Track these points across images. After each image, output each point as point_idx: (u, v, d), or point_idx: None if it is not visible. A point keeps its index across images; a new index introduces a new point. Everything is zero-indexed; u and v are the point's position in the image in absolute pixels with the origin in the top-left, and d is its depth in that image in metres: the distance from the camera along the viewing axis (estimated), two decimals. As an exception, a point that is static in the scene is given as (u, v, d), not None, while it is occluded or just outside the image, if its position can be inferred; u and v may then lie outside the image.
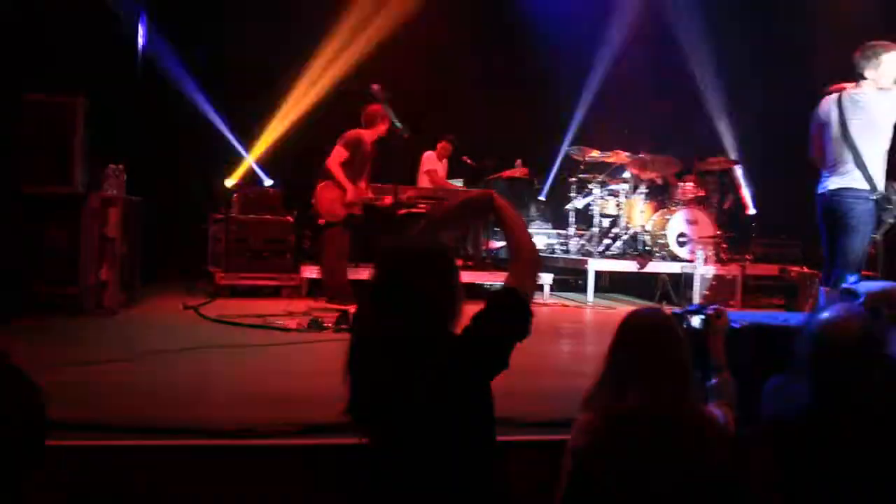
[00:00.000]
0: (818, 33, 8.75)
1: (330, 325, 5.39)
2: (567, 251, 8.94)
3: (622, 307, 7.26)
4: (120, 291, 5.97)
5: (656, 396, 2.07)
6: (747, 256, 8.25)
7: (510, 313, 2.06)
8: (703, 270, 7.54)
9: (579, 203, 8.95)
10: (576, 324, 6.71)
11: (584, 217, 9.00)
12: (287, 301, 7.01)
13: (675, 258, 8.07)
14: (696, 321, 2.54)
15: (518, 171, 9.11)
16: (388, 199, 6.86)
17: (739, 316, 3.81)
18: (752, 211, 9.70)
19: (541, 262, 2.31)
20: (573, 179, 8.96)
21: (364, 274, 1.87)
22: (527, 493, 2.49)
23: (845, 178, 4.57)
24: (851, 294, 2.35)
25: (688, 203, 8.34)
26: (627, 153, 8.60)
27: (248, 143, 9.28)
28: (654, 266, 8.03)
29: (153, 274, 7.43)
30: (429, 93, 9.11)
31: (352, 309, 2.22)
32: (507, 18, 9.80)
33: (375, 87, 6.63)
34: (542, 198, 9.89)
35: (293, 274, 7.54)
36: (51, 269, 5.61)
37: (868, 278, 4.61)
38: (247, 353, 4.50)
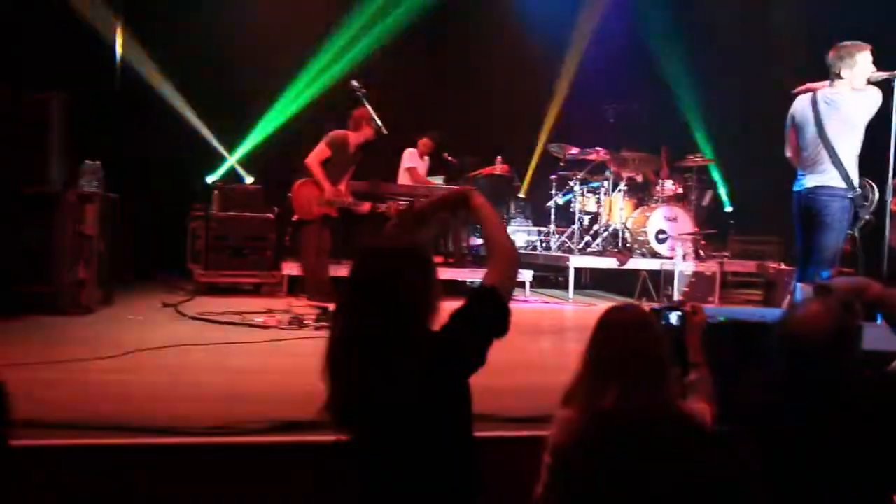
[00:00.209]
0: (792, 32, 8.85)
1: (310, 322, 5.38)
2: (548, 248, 8.98)
3: (602, 304, 7.30)
4: (97, 289, 5.91)
5: (634, 393, 2.08)
6: (726, 253, 8.33)
7: (489, 312, 2.06)
8: (682, 267, 7.61)
9: (560, 200, 8.99)
10: (556, 320, 6.74)
11: (565, 214, 9.05)
12: (267, 298, 6.98)
13: (654, 255, 8.13)
14: (673, 317, 2.56)
15: (499, 167, 9.12)
16: (367, 206, 6.82)
17: (718, 312, 3.86)
18: (729, 208, 9.80)
19: (519, 260, 2.31)
20: (554, 176, 9.00)
21: (346, 271, 1.88)
22: (507, 488, 2.50)
23: (822, 177, 4.64)
24: (825, 290, 2.37)
25: (667, 200, 8.41)
26: (607, 150, 8.65)
27: (228, 141, 9.25)
28: (634, 263, 8.09)
29: (132, 272, 7.37)
30: (408, 90, 9.11)
31: (332, 306, 2.21)
32: (484, 14, 9.83)
33: (354, 82, 6.61)
34: (521, 195, 9.92)
35: (274, 271, 7.50)
36: (27, 267, 5.54)
37: (842, 274, 4.68)
38: (226, 351, 4.48)
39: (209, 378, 3.79)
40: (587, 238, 8.66)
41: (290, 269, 7.39)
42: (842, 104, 4.59)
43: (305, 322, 5.39)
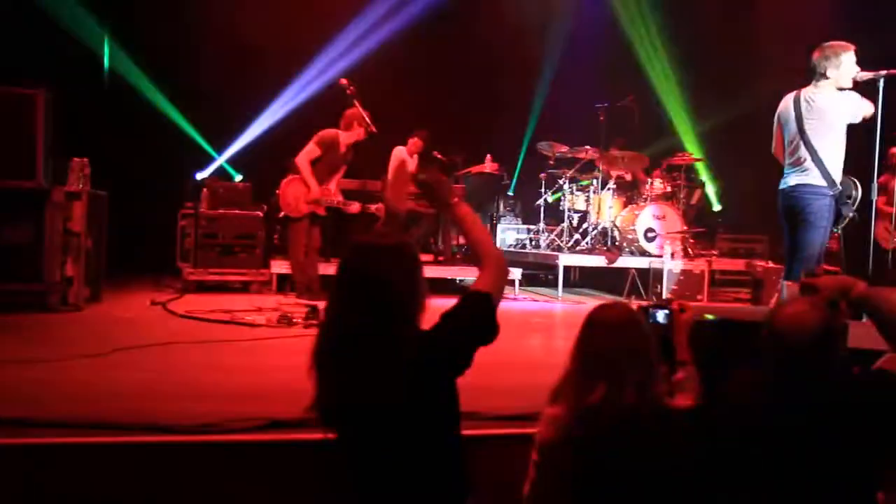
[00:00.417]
0: (780, 31, 8.89)
1: (299, 320, 5.37)
2: (537, 246, 9.00)
3: (592, 302, 7.32)
4: (85, 287, 5.88)
5: (622, 390, 2.10)
6: (714, 251, 8.37)
7: (481, 317, 2.08)
8: (671, 265, 7.63)
9: (549, 198, 9.02)
10: (545, 318, 6.75)
11: (554, 212, 9.06)
12: (256, 296, 6.97)
13: (643, 253, 8.16)
14: (660, 316, 2.58)
15: (488, 166, 9.14)
16: (356, 207, 6.81)
17: (706, 310, 3.88)
18: (718, 207, 9.84)
19: (507, 266, 2.32)
20: (543, 175, 9.02)
21: (334, 269, 1.88)
22: (496, 486, 2.51)
23: (804, 175, 4.68)
24: (811, 288, 2.38)
25: (656, 199, 8.44)
26: (597, 149, 8.68)
27: (218, 140, 9.24)
28: (623, 261, 8.11)
29: (121, 269, 7.34)
30: (398, 88, 9.11)
31: (322, 304, 2.21)
32: (474, 13, 9.85)
33: (343, 81, 6.60)
34: (511, 193, 9.94)
35: (263, 269, 7.49)
36: (14, 264, 5.51)
37: (828, 272, 4.72)
38: (214, 349, 4.46)
39: (197, 376, 3.78)
40: (576, 236, 8.68)
41: (279, 266, 7.38)
42: (821, 106, 4.63)
43: (294, 320, 5.38)
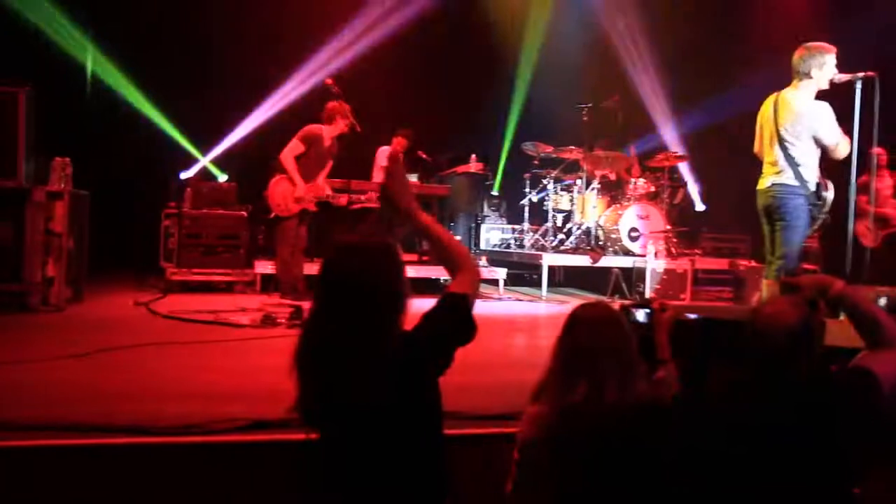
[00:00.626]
0: (762, 31, 8.98)
1: (283, 320, 5.36)
2: (521, 246, 9.03)
3: (576, 301, 7.35)
4: (67, 287, 5.84)
5: (603, 388, 2.11)
6: (697, 251, 8.43)
7: (460, 318, 2.10)
8: (654, 265, 7.68)
9: (534, 198, 9.04)
10: (530, 318, 6.77)
11: (539, 212, 9.09)
12: (240, 297, 6.94)
13: (627, 253, 8.20)
14: (641, 315, 2.60)
15: (473, 165, 9.16)
16: (344, 199, 6.82)
17: (688, 309, 3.92)
18: (701, 207, 9.91)
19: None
20: (527, 175, 9.05)
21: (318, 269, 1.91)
22: (479, 484, 2.52)
23: (780, 175, 4.74)
24: (791, 287, 2.40)
25: (639, 198, 8.48)
26: (581, 149, 8.71)
27: (202, 141, 9.21)
28: (607, 261, 8.15)
29: (104, 270, 7.29)
30: (383, 88, 9.11)
31: (306, 304, 2.21)
32: (457, 14, 9.89)
33: (328, 80, 6.59)
34: (495, 193, 9.96)
35: (247, 269, 7.47)
36: (-6, 264, 5.47)
37: (807, 271, 4.77)
38: (197, 350, 4.44)
39: (179, 377, 3.76)
40: (560, 236, 8.71)
41: (263, 267, 7.36)
42: (799, 108, 4.68)
43: (278, 320, 5.36)
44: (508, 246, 9.28)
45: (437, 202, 8.47)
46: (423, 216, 2.24)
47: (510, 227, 9.56)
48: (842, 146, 4.67)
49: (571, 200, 8.76)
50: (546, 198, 8.88)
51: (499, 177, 10.13)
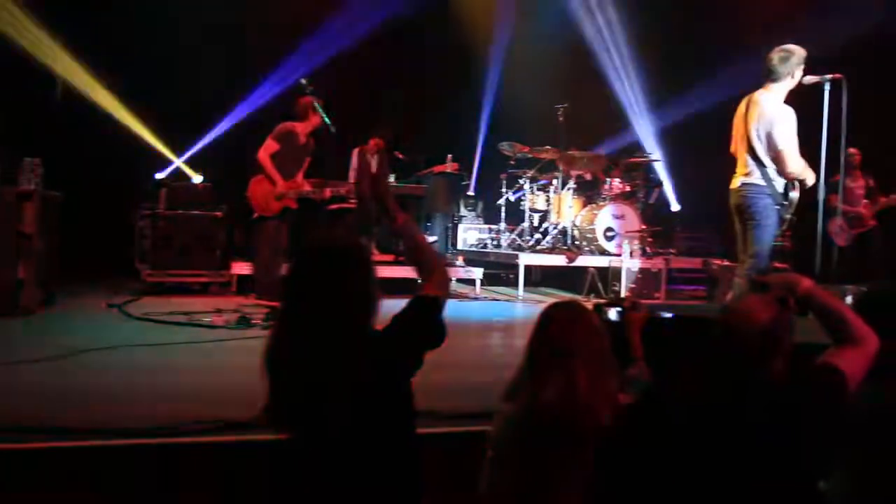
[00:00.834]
0: (736, 31, 9.06)
1: (258, 321, 5.33)
2: (498, 246, 9.05)
3: (552, 301, 7.38)
4: (37, 290, 5.76)
5: (574, 386, 2.12)
6: (671, 250, 8.50)
7: (431, 321, 2.12)
8: (629, 264, 7.73)
9: (511, 197, 9.07)
10: (506, 317, 6.79)
11: (515, 212, 9.12)
12: (216, 298, 6.89)
13: (602, 252, 8.25)
14: (612, 313, 2.62)
15: (449, 165, 9.16)
16: (328, 192, 6.77)
17: (662, 307, 3.96)
18: (676, 207, 9.99)
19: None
20: (504, 175, 9.08)
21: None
22: (452, 482, 2.52)
23: (749, 176, 4.82)
24: (760, 285, 2.43)
25: (615, 198, 8.54)
26: (557, 149, 8.75)
27: (177, 142, 9.14)
28: (583, 260, 8.19)
29: (77, 272, 7.20)
30: (359, 89, 9.10)
31: (282, 306, 2.21)
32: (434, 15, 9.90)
33: (303, 80, 6.57)
34: (471, 193, 9.98)
35: (222, 270, 7.41)
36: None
37: (777, 270, 4.83)
38: (170, 352, 4.41)
39: (151, 379, 3.73)
40: (537, 236, 8.74)
41: (240, 268, 7.31)
42: (769, 110, 4.74)
43: (253, 321, 5.34)
44: (485, 246, 9.30)
45: (414, 202, 8.47)
46: (400, 216, 2.25)
47: (487, 227, 9.58)
48: (798, 168, 4.71)
49: (548, 200, 8.80)
50: (522, 198, 8.91)
51: (474, 177, 10.14)
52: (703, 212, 9.14)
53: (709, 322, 2.52)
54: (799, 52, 4.78)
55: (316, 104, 6.47)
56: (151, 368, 4.01)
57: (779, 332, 2.19)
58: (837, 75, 4.79)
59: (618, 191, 8.62)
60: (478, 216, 9.78)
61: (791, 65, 4.73)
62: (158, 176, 8.60)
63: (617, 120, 10.04)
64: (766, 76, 4.79)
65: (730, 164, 5.11)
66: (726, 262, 7.43)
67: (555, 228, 8.65)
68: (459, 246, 9.40)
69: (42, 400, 3.17)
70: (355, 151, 8.48)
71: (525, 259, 8.16)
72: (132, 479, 2.60)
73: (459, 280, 8.16)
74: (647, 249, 8.18)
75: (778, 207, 4.76)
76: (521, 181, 8.92)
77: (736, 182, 4.88)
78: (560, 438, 2.12)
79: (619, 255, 7.95)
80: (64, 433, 2.66)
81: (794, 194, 4.80)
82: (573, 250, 8.30)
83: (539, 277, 9.26)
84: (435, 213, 9.19)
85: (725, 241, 8.50)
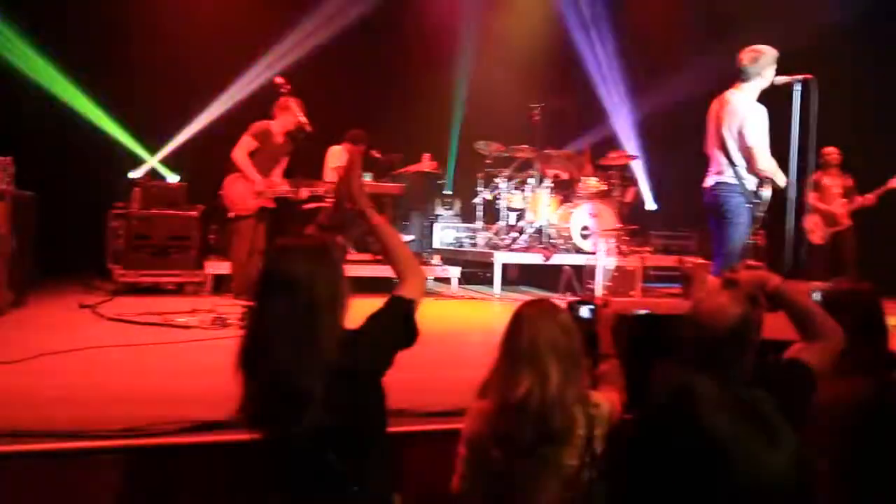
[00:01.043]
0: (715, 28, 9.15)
1: (234, 321, 5.29)
2: (475, 244, 9.07)
3: (528, 299, 7.41)
4: (9, 291, 5.68)
5: (546, 383, 2.14)
6: (647, 248, 8.56)
7: (403, 322, 2.14)
8: (605, 262, 7.78)
9: (488, 196, 9.09)
10: (481, 316, 6.80)
11: (492, 211, 9.14)
12: (191, 298, 6.84)
13: (578, 251, 8.30)
14: (584, 311, 2.64)
15: (426, 164, 9.16)
16: (305, 192, 6.73)
17: (636, 305, 3.97)
18: (652, 205, 10.07)
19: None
20: (481, 174, 9.10)
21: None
22: (425, 481, 2.52)
23: (721, 174, 4.87)
24: (730, 282, 2.47)
25: (591, 197, 8.59)
26: (533, 148, 8.79)
27: (152, 141, 9.06)
28: (559, 258, 8.23)
29: (49, 273, 7.11)
30: (334, 88, 9.07)
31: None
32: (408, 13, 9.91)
33: (278, 79, 6.53)
34: (448, 191, 9.99)
35: (197, 270, 7.35)
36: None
37: (750, 267, 4.87)
38: (144, 353, 4.37)
39: (124, 380, 3.70)
40: (514, 234, 8.77)
41: (216, 267, 7.26)
42: (741, 109, 4.80)
43: (229, 322, 5.30)
44: (462, 244, 9.31)
45: (391, 201, 8.46)
46: (375, 216, 2.26)
47: (464, 225, 9.60)
48: (770, 166, 4.77)
49: (524, 199, 8.83)
50: (499, 196, 8.93)
51: (450, 175, 10.16)
52: (679, 211, 9.23)
53: (679, 319, 2.55)
54: (769, 52, 4.85)
55: (291, 103, 6.43)
56: (123, 370, 3.97)
57: (748, 329, 2.22)
58: (808, 76, 4.86)
59: (594, 189, 8.67)
60: (455, 215, 9.79)
61: (761, 65, 4.79)
62: (132, 175, 8.51)
63: (593, 118, 10.10)
64: (737, 76, 4.85)
65: (705, 164, 5.16)
66: (700, 260, 7.50)
67: (531, 227, 8.68)
68: (436, 245, 9.40)
69: (11, 402, 3.12)
70: (330, 150, 8.47)
71: (501, 257, 8.18)
72: (103, 480, 2.57)
73: (436, 279, 8.17)
74: (623, 248, 8.23)
75: (750, 206, 4.81)
76: (497, 180, 8.94)
77: (709, 181, 4.95)
78: (532, 436, 2.14)
79: (594, 253, 8.00)
80: (32, 435, 2.63)
81: (766, 192, 4.85)
82: (549, 248, 8.34)
83: (516, 276, 9.29)
84: (412, 212, 9.19)
85: (701, 239, 8.62)
